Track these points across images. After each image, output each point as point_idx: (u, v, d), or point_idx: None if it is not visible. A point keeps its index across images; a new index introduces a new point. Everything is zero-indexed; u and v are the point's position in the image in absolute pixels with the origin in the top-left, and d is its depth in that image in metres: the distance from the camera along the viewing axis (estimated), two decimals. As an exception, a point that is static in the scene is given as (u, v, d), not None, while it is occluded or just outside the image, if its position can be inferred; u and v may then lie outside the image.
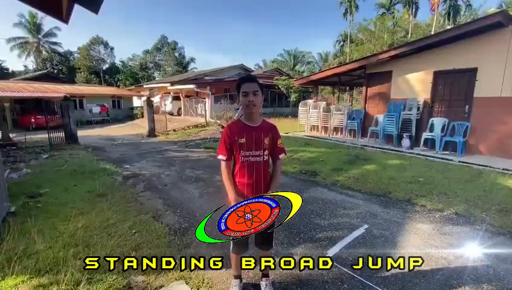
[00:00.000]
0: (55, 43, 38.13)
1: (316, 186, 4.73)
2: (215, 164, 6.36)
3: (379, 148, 7.66)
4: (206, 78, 21.12)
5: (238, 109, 17.24)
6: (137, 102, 24.70)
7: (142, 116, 18.30)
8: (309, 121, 11.24)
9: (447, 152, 6.74)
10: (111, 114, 21.48)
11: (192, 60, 48.08)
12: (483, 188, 4.33)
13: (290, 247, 2.77)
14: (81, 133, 11.33)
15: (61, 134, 9.21)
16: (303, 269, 2.40)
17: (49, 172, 5.67)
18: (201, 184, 4.93)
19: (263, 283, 2.14)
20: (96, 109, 20.71)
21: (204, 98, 17.06)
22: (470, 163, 5.82)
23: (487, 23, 6.03)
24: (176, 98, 20.34)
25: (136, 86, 30.39)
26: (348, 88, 18.08)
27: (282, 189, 4.58)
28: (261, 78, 22.15)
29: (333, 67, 10.65)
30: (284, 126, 13.17)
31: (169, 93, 20.79)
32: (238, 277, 2.17)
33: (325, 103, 11.07)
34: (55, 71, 37.49)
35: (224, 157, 1.91)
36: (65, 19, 2.86)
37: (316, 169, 5.61)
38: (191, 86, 17.45)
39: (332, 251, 2.69)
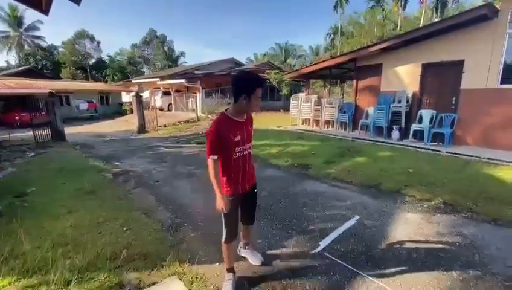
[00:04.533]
0: (38, 37, 36.72)
1: (308, 179, 4.77)
2: (207, 159, 6.34)
3: (370, 140, 7.77)
4: (197, 72, 20.82)
5: (229, 103, 17.13)
6: (126, 98, 24.22)
7: (132, 112, 17.96)
8: (301, 114, 11.27)
9: (435, 143, 6.89)
10: (99, 110, 21.00)
11: (182, 54, 47.30)
12: (470, 177, 4.45)
13: (283, 239, 2.79)
14: (68, 130, 11.04)
15: (48, 131, 8.95)
16: (295, 259, 2.45)
17: (36, 170, 5.52)
18: (194, 180, 4.90)
19: (248, 250, 2.45)
20: (84, 106, 20.18)
21: (195, 93, 16.85)
22: (457, 154, 5.96)
23: (473, 16, 6.11)
24: (166, 93, 20.02)
25: (124, 81, 29.72)
26: (339, 81, 18.16)
27: (275, 182, 4.60)
28: (252, 71, 22.02)
29: (324, 61, 10.66)
30: (276, 120, 13.18)
31: (159, 88, 20.44)
32: (231, 270, 2.17)
33: (316, 96, 11.11)
34: (39, 66, 36.16)
35: (216, 157, 1.87)
36: (45, 10, 2.74)
37: (308, 162, 5.64)
38: (181, 81, 17.19)
39: (324, 243, 2.72)
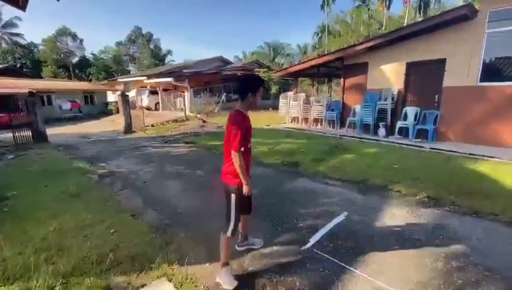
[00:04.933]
0: (16, 34, 35.11)
1: (298, 176, 4.80)
2: (197, 159, 6.30)
3: (357, 137, 7.91)
4: (185, 71, 20.54)
5: (218, 102, 17.02)
6: (111, 97, 23.59)
7: (118, 112, 17.53)
8: (290, 112, 11.34)
9: (420, 139, 7.09)
10: (84, 110, 20.35)
11: (169, 52, 46.58)
12: (452, 172, 4.62)
13: (274, 237, 2.80)
14: (51, 131, 10.65)
15: (28, 133, 8.60)
16: (285, 256, 2.46)
17: (17, 173, 5.30)
18: (183, 180, 4.84)
19: (248, 241, 2.59)
20: (67, 105, 19.52)
21: (183, 92, 16.62)
22: (440, 149, 6.17)
23: (454, 16, 6.32)
24: (153, 92, 19.64)
25: (109, 80, 28.98)
26: (326, 80, 18.37)
27: (266, 180, 4.61)
28: (241, 70, 21.93)
29: (311, 59, 10.75)
30: (265, 118, 13.19)
31: (146, 87, 20.02)
32: (227, 264, 2.20)
33: (304, 94, 11.19)
34: (18, 65, 34.68)
35: (243, 149, 2.06)
36: (22, 6, 2.62)
37: (297, 160, 5.68)
38: (169, 79, 16.91)
39: (314, 239, 2.75)
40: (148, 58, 44.09)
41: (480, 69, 6.38)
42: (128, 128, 11.23)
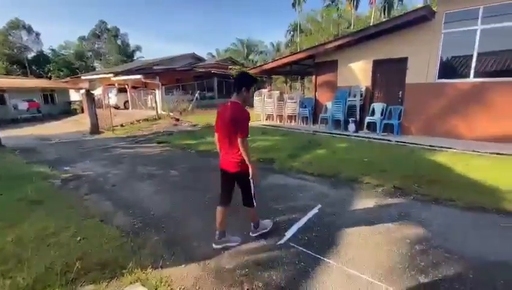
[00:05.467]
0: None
1: (273, 173, 4.86)
2: (170, 159, 6.12)
3: (329, 133, 8.19)
4: (155, 67, 19.78)
5: (192, 100, 16.64)
6: (75, 95, 22.04)
7: (83, 112, 16.44)
8: (264, 110, 11.41)
9: (386, 133, 7.52)
10: (43, 110, 18.80)
11: (138, 48, 44.53)
12: (415, 163, 4.96)
13: (250, 233, 2.81)
14: (5, 133, 9.72)
15: (-23, 136, 7.77)
16: (262, 252, 2.49)
17: (-36, 181, 4.76)
18: (156, 181, 4.68)
19: (227, 238, 2.66)
20: (23, 105, 17.89)
21: (154, 89, 16.00)
22: (404, 142, 6.60)
23: (414, 17, 6.76)
24: (122, 90, 18.68)
25: (72, 77, 27.03)
26: (299, 77, 18.75)
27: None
28: (214, 67, 21.61)
29: (284, 57, 10.89)
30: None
31: (114, 85, 18.99)
32: (258, 222, 2.74)
33: (278, 92, 11.33)
34: (-37, 61, 31.12)
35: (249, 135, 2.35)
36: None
37: (272, 157, 5.75)
38: (138, 77, 16.18)
39: (290, 233, 2.82)
40: (115, 54, 41.76)
41: (438, 67, 6.91)
42: (95, 129, 10.59)
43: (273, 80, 23.33)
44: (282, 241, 2.66)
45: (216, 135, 2.58)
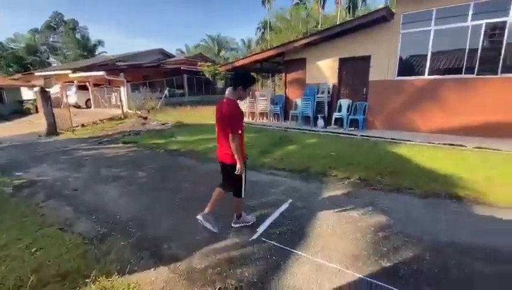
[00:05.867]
0: None
1: (246, 169, 4.86)
2: (138, 160, 5.84)
3: (299, 129, 8.39)
4: (119, 64, 18.72)
5: (161, 98, 16.02)
6: (28, 94, 20.12)
7: (37, 111, 15.08)
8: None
9: (353, 128, 7.90)
10: (-10, 110, 16.92)
11: (100, 43, 41.57)
12: (378, 156, 5.27)
13: (222, 232, 2.80)
14: None
15: None
16: (234, 249, 2.49)
17: None
18: (122, 183, 4.44)
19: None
20: (-35, 105, 15.93)
21: (119, 87, 15.13)
22: (368, 136, 6.98)
23: (374, 17, 7.15)
24: (82, 87, 17.39)
25: (24, 74, 24.61)
26: (270, 75, 18.92)
27: (213, 176, 4.56)
28: (184, 64, 21.01)
29: (255, 54, 10.92)
30: (213, 114, 12.96)
31: (73, 82, 17.61)
32: (240, 214, 2.88)
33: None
34: None
35: (240, 132, 2.47)
36: None
37: (244, 153, 5.74)
38: (101, 73, 15.16)
39: (262, 228, 2.84)
40: (74, 49, 38.67)
41: (397, 65, 7.39)
42: (52, 130, 9.75)
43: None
44: (254, 237, 2.68)
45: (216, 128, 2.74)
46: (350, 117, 7.93)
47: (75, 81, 17.35)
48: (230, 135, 2.41)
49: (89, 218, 3.22)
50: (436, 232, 2.69)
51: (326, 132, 7.84)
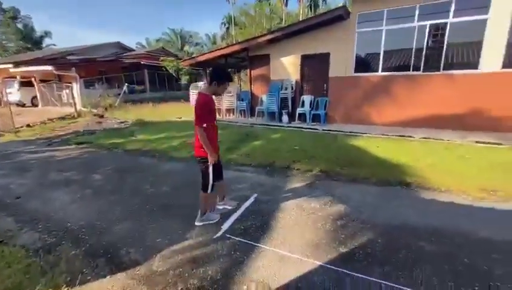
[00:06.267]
0: None
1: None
2: (93, 161, 5.43)
3: (265, 125, 8.49)
4: (71, 57, 17.11)
5: (119, 94, 15.02)
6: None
7: (-29, 111, 13.13)
8: (196, 108, 11.08)
9: (315, 123, 8.21)
10: None
11: (48, 34, 37.48)
12: (338, 148, 5.56)
13: (185, 232, 2.72)
14: None
15: None
16: (197, 248, 2.44)
17: None
18: (74, 187, 4.08)
19: (223, 201, 3.16)
20: None
21: (70, 83, 13.85)
22: (329, 130, 7.32)
23: (332, 16, 7.46)
24: (27, 83, 15.58)
25: (-49, 67, 21.25)
26: (235, 70, 18.80)
27: (177, 175, 4.41)
28: (145, 58, 19.94)
29: (218, 49, 10.74)
30: (176, 110, 12.53)
31: (15, 77, 15.68)
32: (205, 212, 2.86)
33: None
34: None
35: (205, 125, 2.54)
36: None
37: (209, 151, 5.65)
38: (49, 68, 13.73)
39: (226, 225, 2.83)
40: (15, 40, 34.41)
41: (354, 62, 7.81)
42: (-11, 132, 8.60)
43: (211, 73, 22.80)
44: (218, 235, 2.66)
45: None
46: (312, 112, 8.22)
47: (18, 77, 15.48)
48: (196, 126, 2.52)
49: (34, 228, 2.91)
50: (387, 217, 2.91)
51: (290, 127, 8.04)
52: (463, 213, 2.96)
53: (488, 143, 5.51)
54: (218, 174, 2.85)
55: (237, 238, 2.59)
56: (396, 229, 2.68)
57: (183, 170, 4.71)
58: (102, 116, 11.27)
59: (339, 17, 7.44)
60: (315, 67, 8.56)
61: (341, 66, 7.94)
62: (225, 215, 3.02)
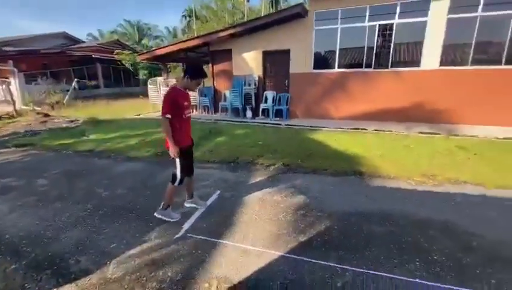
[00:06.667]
0: None
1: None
2: (37, 165, 4.90)
3: (229, 120, 8.44)
4: (7, 48, 15.08)
5: (68, 90, 13.68)
6: None
7: None
8: (162, 100, 10.61)
9: (278, 118, 8.39)
10: None
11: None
12: (299, 142, 5.76)
13: (144, 234, 2.60)
14: None
15: None
16: (157, 250, 2.35)
17: None
18: (13, 195, 3.63)
19: (193, 199, 3.12)
20: None
21: (7, 78, 12.24)
22: (291, 125, 7.54)
23: (290, 13, 7.64)
24: (-51, 78, 13.37)
25: None
26: (198, 65, 18.37)
27: (135, 176, 4.19)
28: (98, 51, 18.40)
29: (178, 42, 10.33)
30: (134, 107, 11.86)
31: None
32: (169, 205, 2.85)
33: (175, 80, 10.73)
34: None
35: (170, 116, 2.53)
36: None
37: (170, 149, 5.45)
38: (-23, 60, 11.95)
39: (187, 224, 2.76)
40: None
41: (313, 59, 8.12)
42: None
43: (173, 67, 21.92)
44: (179, 235, 2.59)
45: None
46: (275, 108, 8.38)
47: None
48: (160, 117, 2.56)
49: (-38, 244, 2.53)
50: (343, 205, 3.10)
51: (254, 122, 8.11)
52: (407, 197, 3.28)
53: (429, 133, 6.17)
54: (188, 168, 2.86)
55: (199, 237, 2.55)
56: (350, 215, 2.87)
57: (142, 170, 4.48)
58: (47, 115, 10.16)
59: (297, 14, 7.64)
60: (277, 63, 8.71)
61: (301, 63, 8.19)
62: (187, 214, 2.95)
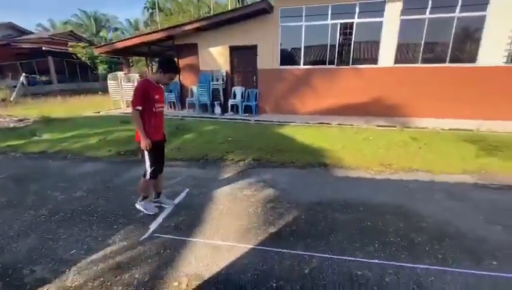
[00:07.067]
0: None
1: (136, 165, 4.42)
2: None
3: (197, 117, 8.28)
4: None
5: (15, 86, 12.27)
6: None
7: None
8: (124, 96, 10.04)
9: (247, 114, 8.42)
10: None
11: None
12: (268, 137, 5.86)
13: (107, 238, 2.47)
14: None
15: None
16: (122, 253, 2.26)
17: None
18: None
19: (160, 198, 3.05)
20: None
21: None
22: (260, 120, 7.63)
23: (256, 9, 7.67)
24: None
25: None
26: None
27: (95, 177, 3.95)
28: (49, 43, 16.75)
29: (139, 35, 9.80)
30: (93, 104, 11.07)
31: None
32: (147, 197, 2.89)
33: (138, 75, 10.20)
34: None
35: (140, 108, 2.54)
36: None
37: (135, 147, 5.20)
38: None
39: (154, 224, 2.68)
40: None
41: (279, 55, 8.25)
42: None
43: (136, 62, 20.76)
44: (146, 235, 2.50)
45: None
46: (244, 103, 8.40)
47: None
48: (131, 109, 2.59)
49: None
50: (309, 195, 3.24)
51: (223, 118, 8.05)
52: (366, 185, 3.53)
53: (386, 126, 6.67)
54: (160, 161, 2.86)
55: (167, 236, 2.49)
56: (316, 205, 3.02)
57: (103, 171, 4.22)
58: (-9, 114, 9.05)
59: (263, 10, 7.68)
60: (244, 59, 8.70)
61: (268, 59, 8.28)
62: (155, 215, 2.86)
